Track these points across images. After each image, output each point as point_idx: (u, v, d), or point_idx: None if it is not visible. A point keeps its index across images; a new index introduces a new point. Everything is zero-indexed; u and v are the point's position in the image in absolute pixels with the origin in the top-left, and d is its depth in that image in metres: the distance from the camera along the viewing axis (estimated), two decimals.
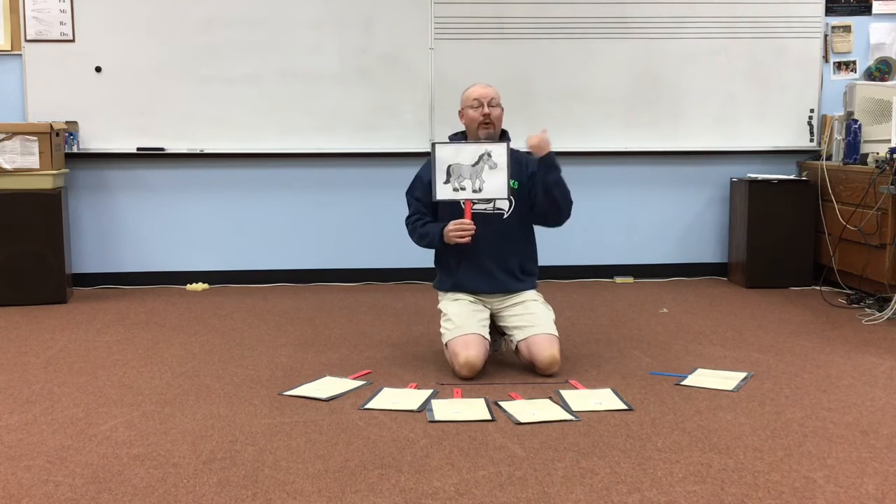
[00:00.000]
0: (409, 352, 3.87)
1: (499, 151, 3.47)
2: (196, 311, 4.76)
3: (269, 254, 5.60)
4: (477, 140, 3.54)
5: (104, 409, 3.07)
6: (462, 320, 3.49)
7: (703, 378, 3.42)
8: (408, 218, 3.68)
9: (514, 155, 3.56)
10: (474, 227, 3.47)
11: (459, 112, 3.65)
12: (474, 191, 3.48)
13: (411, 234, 3.67)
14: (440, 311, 3.63)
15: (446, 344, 3.50)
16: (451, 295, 3.62)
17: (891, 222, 4.60)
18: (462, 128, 3.68)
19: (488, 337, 3.52)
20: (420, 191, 3.63)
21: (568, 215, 3.60)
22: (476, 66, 5.43)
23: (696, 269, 5.79)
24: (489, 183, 3.47)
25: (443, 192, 3.49)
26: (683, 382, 3.36)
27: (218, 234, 5.56)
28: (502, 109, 3.61)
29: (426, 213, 3.63)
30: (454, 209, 3.54)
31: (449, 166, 3.48)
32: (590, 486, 2.39)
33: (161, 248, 5.54)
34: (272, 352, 3.88)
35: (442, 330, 3.56)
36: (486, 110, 3.52)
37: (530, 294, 3.63)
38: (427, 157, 3.60)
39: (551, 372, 3.45)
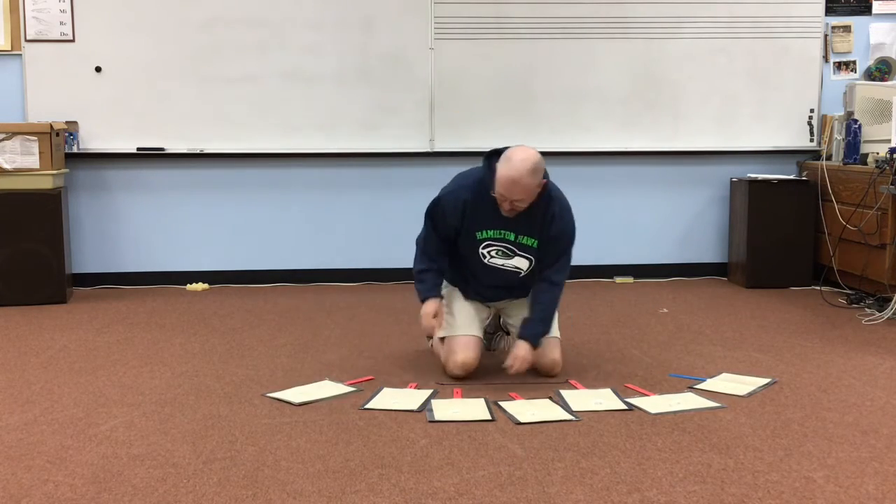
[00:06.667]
0: (409, 352, 3.87)
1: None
2: (196, 311, 4.76)
3: (269, 254, 5.60)
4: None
5: (104, 409, 3.07)
6: (465, 319, 3.49)
7: (720, 383, 3.34)
8: (420, 239, 3.48)
9: (537, 211, 3.30)
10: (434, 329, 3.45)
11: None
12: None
13: (415, 261, 3.49)
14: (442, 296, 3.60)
15: (442, 338, 3.50)
16: (458, 291, 3.57)
17: (891, 222, 4.60)
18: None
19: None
20: (440, 222, 3.39)
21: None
22: (476, 66, 5.43)
23: (696, 269, 5.79)
24: (512, 261, 3.41)
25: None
26: (698, 386, 3.31)
27: (218, 234, 5.56)
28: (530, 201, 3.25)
29: (440, 245, 3.43)
30: (472, 255, 3.40)
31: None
32: (590, 486, 2.39)
33: (161, 248, 5.53)
34: (272, 352, 3.88)
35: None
36: (508, 207, 3.24)
37: None
38: (452, 176, 3.45)
39: (553, 374, 3.45)
